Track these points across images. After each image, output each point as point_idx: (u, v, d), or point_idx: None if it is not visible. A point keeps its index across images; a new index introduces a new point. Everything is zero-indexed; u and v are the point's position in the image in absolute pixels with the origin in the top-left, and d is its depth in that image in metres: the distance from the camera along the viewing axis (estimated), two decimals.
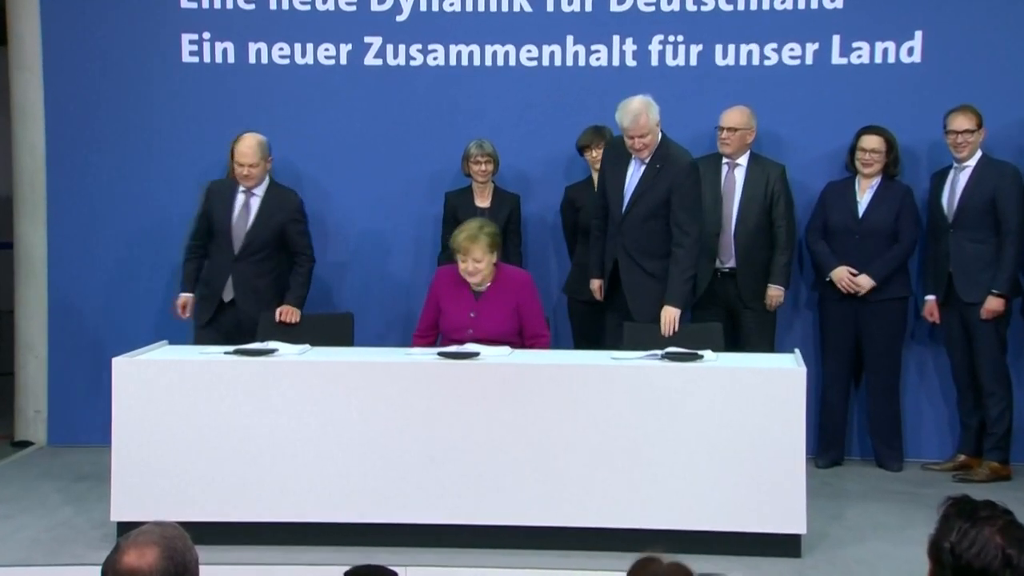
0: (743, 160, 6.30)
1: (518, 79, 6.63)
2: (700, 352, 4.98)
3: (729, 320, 6.18)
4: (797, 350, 5.28)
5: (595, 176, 6.26)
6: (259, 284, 6.04)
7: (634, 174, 5.78)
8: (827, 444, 6.38)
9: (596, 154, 6.24)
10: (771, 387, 4.78)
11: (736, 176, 6.29)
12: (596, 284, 6.08)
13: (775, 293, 6.26)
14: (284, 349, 5.15)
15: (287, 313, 5.96)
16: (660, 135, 5.71)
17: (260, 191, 6.04)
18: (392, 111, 6.69)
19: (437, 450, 4.82)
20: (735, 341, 6.17)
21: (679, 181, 5.68)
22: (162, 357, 5.19)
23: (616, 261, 5.83)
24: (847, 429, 6.45)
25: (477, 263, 5.46)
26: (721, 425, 4.75)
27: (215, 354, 5.12)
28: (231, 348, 5.16)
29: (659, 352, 5.01)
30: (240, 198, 6.02)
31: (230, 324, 5.99)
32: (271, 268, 6.08)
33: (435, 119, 6.69)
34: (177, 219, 6.51)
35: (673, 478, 4.76)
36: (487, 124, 6.55)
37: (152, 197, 6.72)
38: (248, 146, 5.96)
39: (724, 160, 6.30)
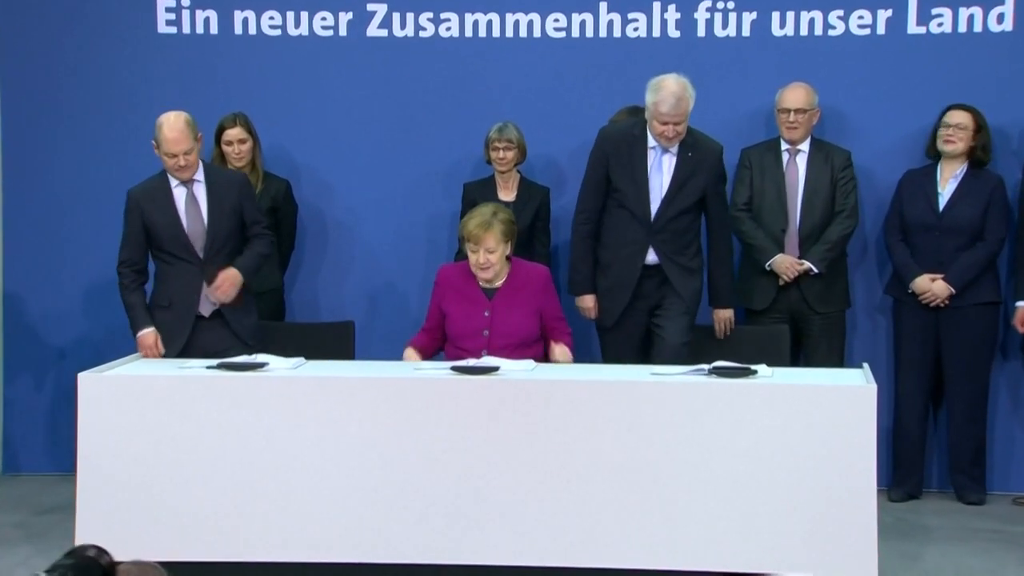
0: (805, 147, 6.33)
1: (544, 53, 6.66)
2: (752, 367, 5.00)
3: (792, 327, 6.21)
4: (866, 364, 5.27)
5: None
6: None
7: (658, 164, 5.84)
8: (902, 474, 6.39)
9: None
10: (836, 408, 4.77)
11: (798, 164, 6.32)
12: (591, 301, 6.01)
13: (795, 265, 6.21)
14: (275, 363, 5.17)
15: (224, 281, 5.61)
16: None
17: (200, 176, 5.68)
18: (400, 90, 6.73)
19: (450, 479, 4.84)
20: (798, 351, 6.22)
21: (716, 170, 5.89)
22: (135, 372, 5.22)
23: (643, 269, 5.87)
24: (925, 457, 6.45)
25: (490, 254, 5.49)
26: (777, 452, 4.75)
27: (196, 368, 5.15)
28: (214, 362, 5.18)
29: (706, 367, 5.03)
30: (180, 193, 5.66)
31: (211, 341, 5.67)
32: None
33: (450, 100, 6.73)
34: None
35: (722, 513, 4.76)
36: (510, 106, 6.58)
37: (123, 192, 6.70)
38: (176, 129, 5.53)
39: (784, 147, 6.33)
